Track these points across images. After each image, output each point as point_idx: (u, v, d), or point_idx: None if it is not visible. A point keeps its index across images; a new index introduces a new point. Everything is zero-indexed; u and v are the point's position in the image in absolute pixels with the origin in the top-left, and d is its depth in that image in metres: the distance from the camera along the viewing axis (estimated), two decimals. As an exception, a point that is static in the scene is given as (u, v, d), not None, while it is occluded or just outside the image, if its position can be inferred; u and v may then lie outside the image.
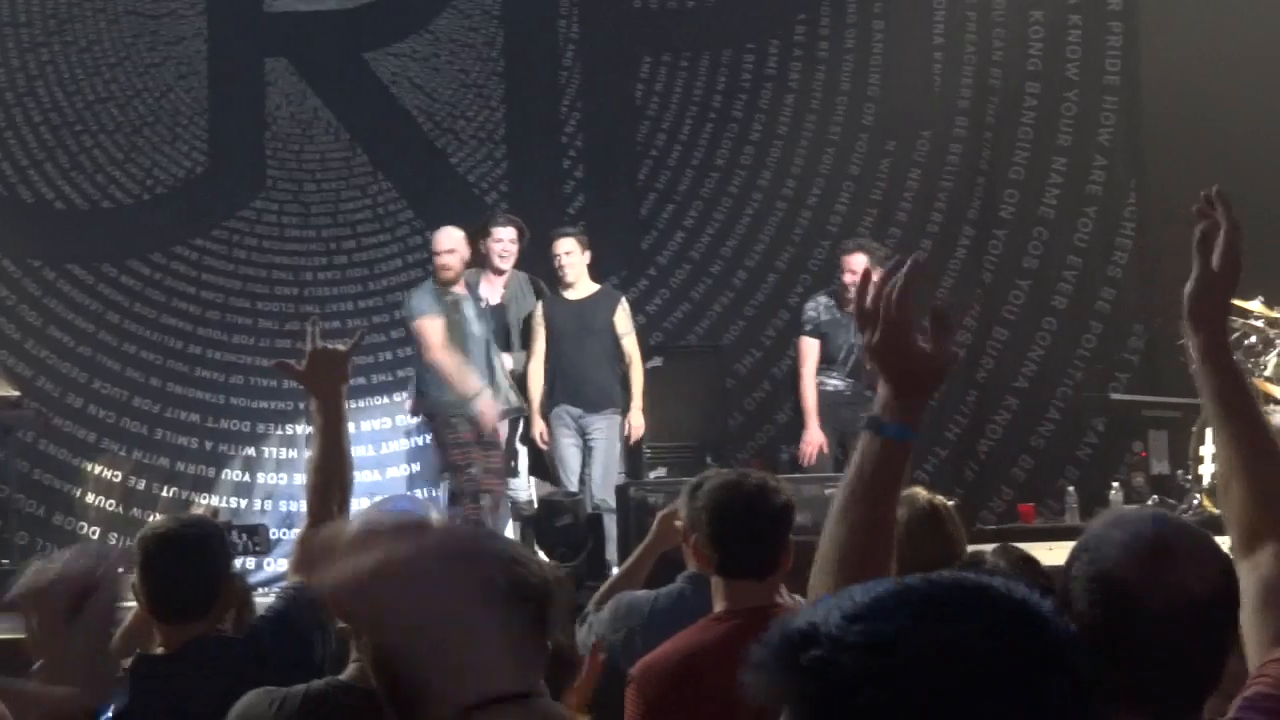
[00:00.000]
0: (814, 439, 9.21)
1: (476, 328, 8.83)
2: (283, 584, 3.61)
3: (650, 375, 10.02)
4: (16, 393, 9.03)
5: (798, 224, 11.13)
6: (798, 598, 3.61)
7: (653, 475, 9.57)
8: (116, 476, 10.79)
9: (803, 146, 11.21)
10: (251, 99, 11.48)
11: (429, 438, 9.47)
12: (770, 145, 11.25)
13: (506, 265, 9.19)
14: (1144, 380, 10.62)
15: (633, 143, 11.50)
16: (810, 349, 9.39)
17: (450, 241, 8.88)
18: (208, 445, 11.07)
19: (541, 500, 8.43)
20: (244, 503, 10.85)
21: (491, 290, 9.19)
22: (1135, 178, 10.94)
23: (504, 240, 9.17)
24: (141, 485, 10.87)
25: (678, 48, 11.52)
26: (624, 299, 9.33)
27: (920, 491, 4.00)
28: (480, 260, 9.22)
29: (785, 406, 10.52)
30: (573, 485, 8.85)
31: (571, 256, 9.02)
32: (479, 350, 8.82)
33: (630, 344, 9.13)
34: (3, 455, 10.23)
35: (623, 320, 9.12)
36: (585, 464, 8.95)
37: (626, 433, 9.04)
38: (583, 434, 8.95)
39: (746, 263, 11.20)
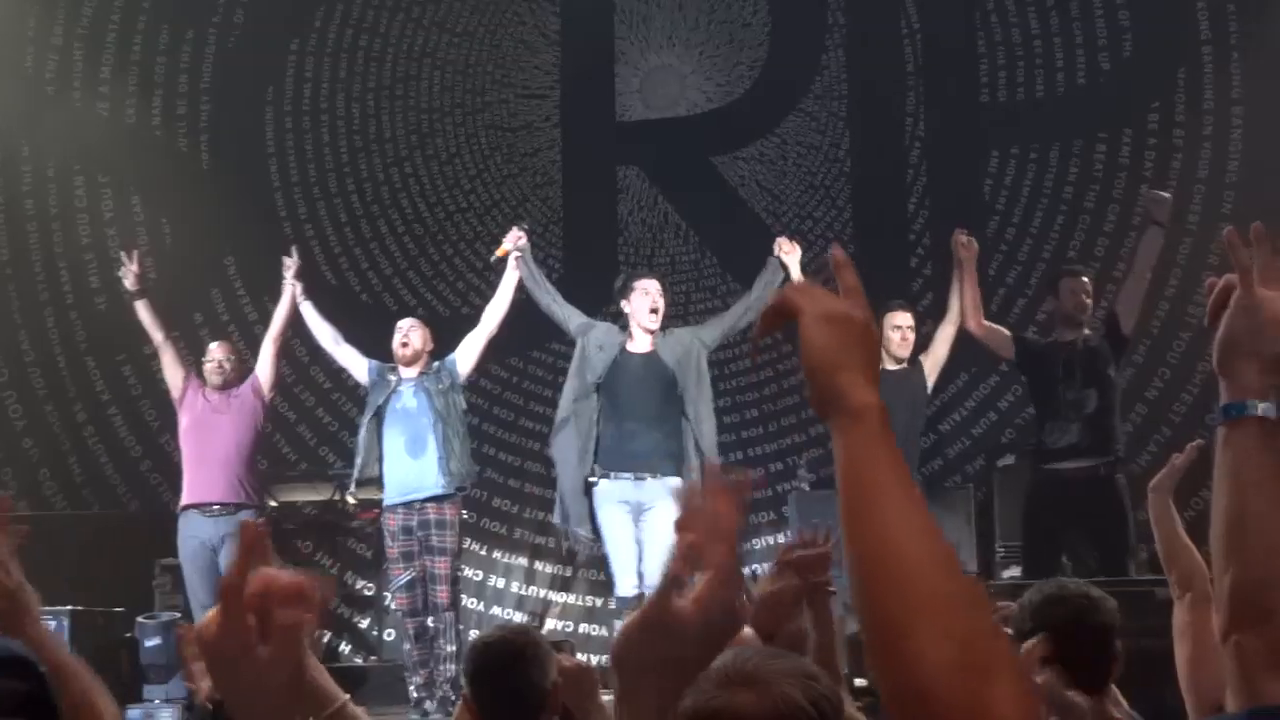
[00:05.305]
0: None
1: (413, 402, 8.69)
2: None
3: (1003, 473, 9.83)
4: None
5: (1154, 317, 10.78)
6: (1123, 703, 3.54)
7: (1005, 575, 9.35)
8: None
9: (1159, 236, 10.87)
10: (604, 206, 11.79)
11: None
12: (1125, 236, 10.95)
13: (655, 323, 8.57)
14: None
15: (982, 238, 11.28)
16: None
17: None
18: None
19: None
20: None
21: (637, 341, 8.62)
22: None
23: (652, 293, 8.57)
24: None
25: (1027, 140, 11.37)
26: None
27: None
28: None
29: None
30: None
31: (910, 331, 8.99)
32: (411, 425, 8.66)
33: None
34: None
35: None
36: None
37: None
38: None
39: (1103, 357, 10.90)
